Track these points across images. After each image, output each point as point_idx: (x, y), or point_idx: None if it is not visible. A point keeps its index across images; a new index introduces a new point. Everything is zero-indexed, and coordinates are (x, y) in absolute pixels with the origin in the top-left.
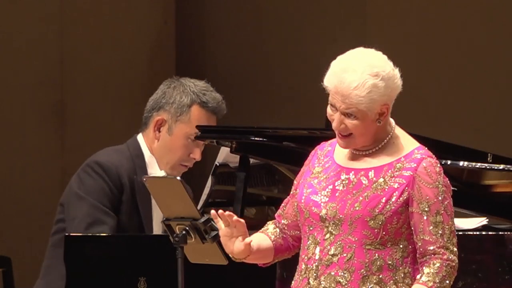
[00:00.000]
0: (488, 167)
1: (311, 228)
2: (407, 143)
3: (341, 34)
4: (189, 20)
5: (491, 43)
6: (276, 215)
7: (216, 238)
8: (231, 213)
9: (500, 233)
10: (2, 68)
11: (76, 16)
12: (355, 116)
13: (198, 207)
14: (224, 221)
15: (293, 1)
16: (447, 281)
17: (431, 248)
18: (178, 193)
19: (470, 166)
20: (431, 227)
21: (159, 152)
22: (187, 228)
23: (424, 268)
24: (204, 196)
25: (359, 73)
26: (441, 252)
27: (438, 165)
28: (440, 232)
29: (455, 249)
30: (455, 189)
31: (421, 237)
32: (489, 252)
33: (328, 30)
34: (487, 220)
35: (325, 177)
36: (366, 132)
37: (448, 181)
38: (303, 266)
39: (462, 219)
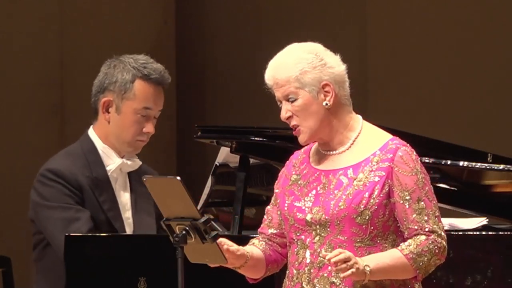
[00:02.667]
0: (488, 167)
1: (298, 234)
2: (380, 136)
3: (341, 34)
4: (189, 20)
5: (491, 43)
6: (260, 229)
7: (216, 238)
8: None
9: (500, 233)
10: (2, 68)
11: (76, 16)
12: (295, 97)
13: (198, 207)
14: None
15: (293, 1)
16: (426, 257)
17: (417, 233)
18: (178, 193)
19: (470, 166)
20: (415, 215)
21: (113, 133)
22: (187, 228)
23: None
24: (204, 196)
25: (288, 55)
26: (427, 234)
27: (414, 153)
28: (425, 218)
29: (443, 233)
30: (455, 189)
31: (407, 226)
32: (489, 253)
33: (328, 30)
34: (487, 220)
35: (305, 183)
36: (314, 117)
37: (425, 169)
38: (294, 271)
39: (462, 219)
